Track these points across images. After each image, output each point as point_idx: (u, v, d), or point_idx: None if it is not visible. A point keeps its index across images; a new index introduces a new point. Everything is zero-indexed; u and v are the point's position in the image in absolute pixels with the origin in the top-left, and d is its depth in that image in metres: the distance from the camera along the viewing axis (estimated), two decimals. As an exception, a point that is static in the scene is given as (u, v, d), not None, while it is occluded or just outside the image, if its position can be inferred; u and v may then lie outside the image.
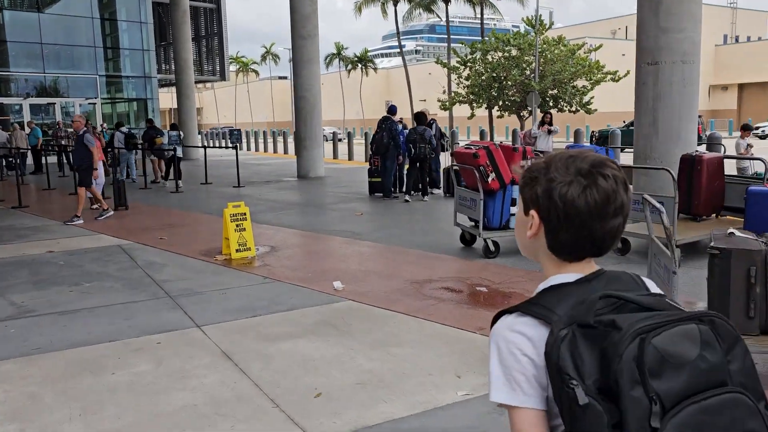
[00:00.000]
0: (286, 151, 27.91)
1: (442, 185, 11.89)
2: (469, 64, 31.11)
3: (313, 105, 16.56)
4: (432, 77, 59.09)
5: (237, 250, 6.90)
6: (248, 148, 33.36)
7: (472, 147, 6.50)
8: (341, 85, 64.52)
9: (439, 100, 33.30)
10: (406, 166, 11.82)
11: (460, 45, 32.21)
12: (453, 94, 31.86)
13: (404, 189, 11.78)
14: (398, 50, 62.04)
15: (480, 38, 32.51)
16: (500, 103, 31.10)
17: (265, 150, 30.66)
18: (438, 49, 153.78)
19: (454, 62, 32.09)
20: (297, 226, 8.93)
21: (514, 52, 29.75)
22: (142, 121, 28.14)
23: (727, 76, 50.86)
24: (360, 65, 61.47)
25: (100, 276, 6.27)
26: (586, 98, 29.71)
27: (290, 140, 28.24)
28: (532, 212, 1.03)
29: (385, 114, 11.55)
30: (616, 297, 0.95)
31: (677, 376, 0.88)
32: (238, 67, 72.50)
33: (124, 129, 16.73)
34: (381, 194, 11.85)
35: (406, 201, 11.09)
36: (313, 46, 16.44)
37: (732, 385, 0.92)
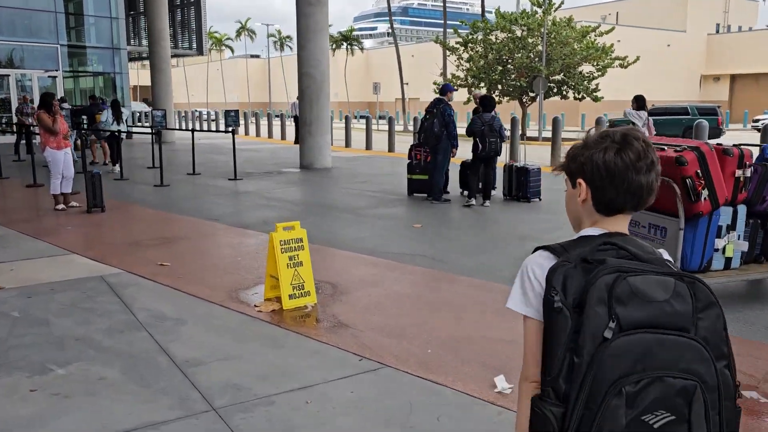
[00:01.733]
0: (283, 136, 25.25)
1: (501, 185, 9.65)
2: (470, 45, 28.80)
3: (320, 84, 14.09)
4: (415, 60, 56.66)
5: (291, 296, 4.54)
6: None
7: (668, 147, 4.25)
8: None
9: (434, 83, 30.91)
10: (458, 159, 9.55)
11: (460, 23, 29.84)
12: (450, 77, 29.54)
13: (465, 192, 9.55)
14: (370, 32, 59.47)
15: (480, 16, 30.23)
16: (501, 87, 28.94)
17: (256, 134, 27.94)
18: (411, 32, 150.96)
19: (453, 42, 29.74)
20: (344, 244, 6.58)
21: (518, 33, 27.55)
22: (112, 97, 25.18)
23: (719, 67, 49.73)
24: (345, 44, 58.25)
25: (79, 346, 3.85)
26: (593, 84, 27.76)
27: (275, 123, 25.55)
28: (579, 180, 1.27)
29: (437, 96, 9.20)
30: (617, 246, 1.19)
31: (641, 309, 1.11)
32: (211, 43, 68.59)
33: (67, 105, 14.10)
34: (426, 195, 9.56)
35: (468, 206, 8.82)
36: (322, 13, 13.94)
37: (695, 334, 1.12)
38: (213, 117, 33.62)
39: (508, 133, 11.00)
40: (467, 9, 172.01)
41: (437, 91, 29.55)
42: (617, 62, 27.51)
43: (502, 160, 9.94)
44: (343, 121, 22.21)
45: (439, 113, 8.89)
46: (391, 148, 19.08)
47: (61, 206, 8.70)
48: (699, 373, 1.11)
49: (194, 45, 28.93)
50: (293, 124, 23.35)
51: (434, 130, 8.86)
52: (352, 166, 14.61)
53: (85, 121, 14.99)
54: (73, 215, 8.33)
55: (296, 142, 22.66)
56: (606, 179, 1.22)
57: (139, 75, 60.52)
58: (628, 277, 1.11)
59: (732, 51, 49.13)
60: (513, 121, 14.90)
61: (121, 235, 7.03)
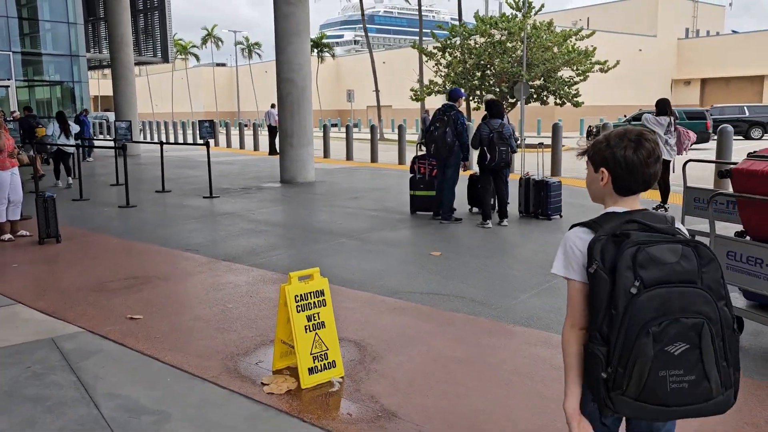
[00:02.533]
0: (256, 147, 23.89)
1: (517, 200, 8.62)
2: (449, 50, 27.92)
3: (302, 90, 12.91)
4: (387, 66, 55.71)
5: (312, 370, 3.38)
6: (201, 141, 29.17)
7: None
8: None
9: (412, 90, 29.98)
10: (469, 171, 8.50)
11: (438, 28, 28.94)
12: (429, 83, 28.61)
13: (474, 209, 8.53)
14: (336, 40, 58.21)
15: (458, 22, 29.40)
16: (480, 93, 28.12)
17: (227, 144, 26.53)
18: (378, 39, 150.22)
19: (431, 47, 28.82)
20: (356, 281, 5.43)
21: (497, 37, 26.78)
22: (74, 109, 23.52)
23: (689, 71, 49.99)
24: (316, 51, 56.77)
25: (14, 469, 2.63)
26: (574, 89, 27.13)
27: (248, 133, 24.21)
28: (603, 169, 1.71)
29: (446, 102, 8.11)
30: (639, 222, 1.61)
31: (658, 271, 1.52)
32: (176, 51, 66.46)
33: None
34: (432, 214, 8.48)
35: (484, 226, 7.75)
36: (302, 13, 12.79)
37: (701, 285, 1.53)
38: (182, 127, 32.01)
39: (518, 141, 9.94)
40: (433, 16, 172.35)
41: (414, 98, 28.64)
42: (597, 66, 26.98)
43: (513, 171, 8.87)
44: (321, 129, 21.02)
45: (451, 121, 7.80)
46: (374, 158, 17.98)
47: (7, 236, 7.36)
48: (705, 312, 1.52)
49: (159, 52, 27.42)
50: (267, 134, 22.09)
51: (447, 140, 7.77)
52: (337, 180, 13.46)
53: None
54: (21, 248, 7.00)
55: (271, 153, 21.45)
56: (625, 171, 1.68)
57: (99, 84, 58.25)
58: (646, 248, 1.53)
59: (701, 55, 49.46)
60: (555, 128, 13.49)
61: (80, 276, 5.76)
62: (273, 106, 22.07)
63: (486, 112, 9.60)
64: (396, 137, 31.74)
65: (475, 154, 8.10)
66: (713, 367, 1.53)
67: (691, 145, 8.63)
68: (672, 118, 8.48)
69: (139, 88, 79.67)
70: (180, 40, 68.00)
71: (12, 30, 21.48)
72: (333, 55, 61.62)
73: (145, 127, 30.48)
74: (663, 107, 8.48)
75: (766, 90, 44.52)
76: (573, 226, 1.71)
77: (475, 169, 8.63)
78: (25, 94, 23.27)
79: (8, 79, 21.18)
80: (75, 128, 13.35)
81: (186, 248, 6.84)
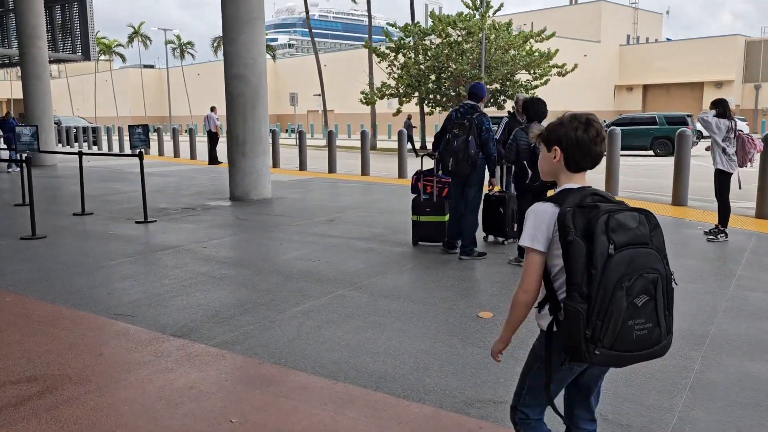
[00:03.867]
0: (193, 155, 21.27)
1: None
2: (403, 50, 26.20)
3: (256, 89, 10.77)
4: (328, 69, 53.56)
5: None
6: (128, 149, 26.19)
7: None
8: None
9: (362, 93, 28.08)
10: (496, 188, 6.62)
11: (391, 26, 27.15)
12: (381, 85, 26.80)
13: (491, 237, 6.70)
14: (270, 43, 55.19)
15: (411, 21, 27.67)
16: (435, 97, 26.55)
17: (159, 152, 23.75)
18: (307, 43, 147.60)
19: (383, 48, 27.02)
20: (397, 383, 3.45)
21: (454, 37, 25.28)
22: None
23: (631, 77, 50.33)
24: None
25: None
26: (533, 93, 25.95)
27: (183, 139, 21.64)
28: (555, 147, 1.93)
29: (467, 101, 6.20)
30: (599, 195, 1.86)
31: (625, 234, 1.74)
32: (99, 50, 61.65)
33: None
34: (441, 245, 6.58)
35: (521, 264, 5.91)
36: (256, -3, 10.65)
37: (652, 246, 1.79)
38: (106, 132, 28.86)
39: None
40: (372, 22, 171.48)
41: (364, 101, 26.66)
42: (555, 70, 25.93)
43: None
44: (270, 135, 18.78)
45: (474, 127, 5.90)
46: (332, 168, 15.94)
47: None
48: (658, 269, 1.78)
49: (79, 49, 24.33)
50: (206, 141, 19.67)
51: (470, 152, 5.86)
52: (298, 195, 11.36)
53: None
54: None
55: (211, 162, 19.03)
56: (576, 149, 1.90)
57: (12, 86, 53.36)
58: (614, 215, 1.75)
59: (642, 62, 49.90)
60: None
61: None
62: (213, 109, 19.72)
63: (508, 114, 7.83)
64: (350, 144, 29.68)
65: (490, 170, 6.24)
66: (662, 315, 1.79)
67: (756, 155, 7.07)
68: (733, 123, 6.92)
69: (59, 90, 74.22)
70: (104, 38, 63.32)
71: None
72: (274, 57, 58.70)
73: (63, 134, 27.27)
74: (724, 109, 6.89)
75: (705, 96, 45.17)
76: (537, 202, 1.92)
77: (499, 186, 6.78)
78: None
79: None
80: None
81: (116, 313, 4.64)
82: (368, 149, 15.34)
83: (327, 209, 9.62)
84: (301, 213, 9.32)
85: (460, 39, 25.10)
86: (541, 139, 1.98)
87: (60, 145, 30.67)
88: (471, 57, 25.00)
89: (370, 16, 29.89)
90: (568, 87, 41.05)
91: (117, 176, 15.05)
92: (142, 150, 8.77)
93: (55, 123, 32.26)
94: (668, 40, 56.24)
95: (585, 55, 47.53)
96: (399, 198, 10.80)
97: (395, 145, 30.69)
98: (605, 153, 1.99)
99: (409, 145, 28.05)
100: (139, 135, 8.74)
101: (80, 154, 9.71)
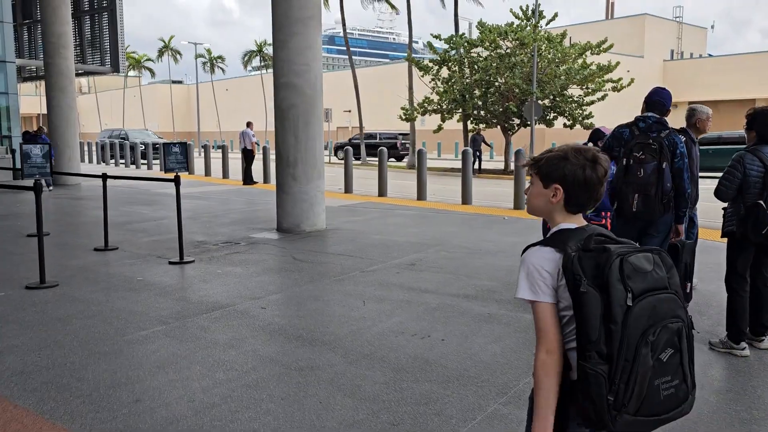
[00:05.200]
0: (225, 174, 19.71)
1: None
2: (448, 63, 24.54)
3: (310, 101, 9.12)
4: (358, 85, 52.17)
5: None
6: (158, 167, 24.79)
7: None
8: (263, 88, 54.85)
9: (402, 108, 26.44)
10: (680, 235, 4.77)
11: (434, 37, 25.55)
12: (423, 100, 25.13)
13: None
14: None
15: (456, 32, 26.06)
16: (477, 113, 24.78)
17: (189, 170, 22.28)
18: (338, 60, 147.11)
19: (427, 61, 25.39)
20: None
21: (505, 49, 23.53)
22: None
23: (676, 93, 47.99)
24: None
25: None
26: (586, 110, 24.06)
27: (214, 156, 20.11)
28: (556, 186, 1.66)
29: (646, 113, 4.42)
30: (604, 236, 1.60)
31: (642, 280, 1.50)
32: (128, 64, 61.06)
33: None
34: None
35: (736, 352, 4.05)
36: (312, -7, 9.04)
37: (670, 290, 1.55)
38: (131, 150, 27.46)
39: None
40: (394, 39, 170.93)
41: (403, 117, 24.81)
42: (610, 85, 24.02)
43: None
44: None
45: (666, 150, 4.10)
46: (382, 191, 14.22)
47: None
48: (680, 316, 1.54)
49: (108, 61, 23.14)
50: (241, 159, 18.13)
51: (665, 185, 4.05)
52: (356, 227, 9.63)
53: None
54: None
55: (246, 182, 17.48)
56: (582, 188, 1.65)
57: (42, 102, 52.73)
58: (627, 258, 1.50)
59: (687, 77, 47.67)
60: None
61: None
62: (249, 125, 18.18)
63: (679, 131, 5.98)
64: (389, 163, 27.83)
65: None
66: (688, 368, 1.56)
67: None
68: None
69: (88, 105, 74.11)
70: (133, 53, 62.78)
71: None
72: None
73: (126, 150, 25.97)
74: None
75: (758, 114, 42.64)
76: (529, 246, 1.66)
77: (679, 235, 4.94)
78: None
79: None
80: None
81: (148, 442, 2.92)
82: (425, 170, 13.61)
83: (399, 247, 7.86)
84: (369, 252, 7.57)
85: (510, 51, 23.36)
86: (534, 171, 1.72)
87: (114, 162, 29.31)
88: (522, 70, 23.23)
89: (410, 28, 28.34)
90: (610, 104, 39.11)
91: (145, 198, 13.50)
92: (179, 174, 7.11)
93: (121, 137, 30.53)
94: (710, 56, 53.93)
95: (628, 71, 45.48)
96: (478, 232, 9.03)
97: (442, 163, 29.16)
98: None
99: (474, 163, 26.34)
100: (176, 155, 7.10)
101: (104, 177, 8.10)
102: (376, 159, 15.16)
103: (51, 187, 14.97)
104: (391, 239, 8.44)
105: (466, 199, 12.59)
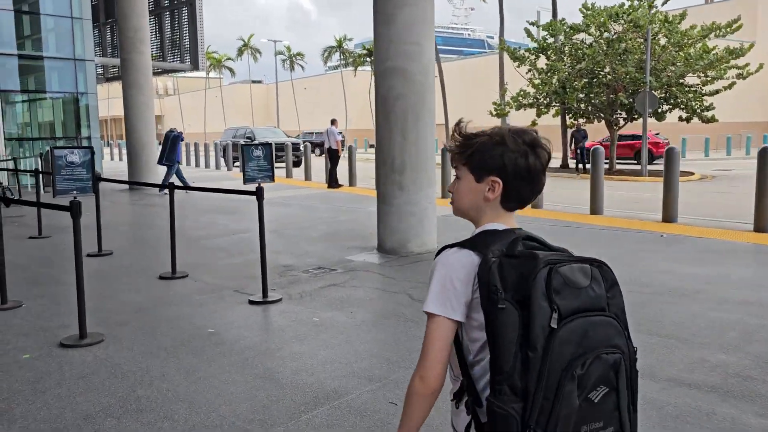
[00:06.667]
0: (307, 176, 18.24)
1: None
2: (547, 52, 22.16)
3: (420, 90, 7.28)
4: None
5: None
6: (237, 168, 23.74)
7: None
8: (343, 86, 53.61)
9: (494, 103, 24.24)
10: None
11: (531, 24, 23.22)
12: (518, 94, 22.85)
13: None
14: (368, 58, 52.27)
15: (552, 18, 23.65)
16: (578, 106, 22.23)
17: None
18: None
19: (523, 51, 23.10)
20: None
21: (612, 33, 20.91)
22: (76, 128, 18.38)
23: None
24: (369, 60, 50.69)
25: None
26: (708, 101, 21.07)
27: (304, 159, 18.66)
28: (494, 179, 1.33)
29: None
30: (535, 240, 1.31)
31: (573, 298, 1.19)
32: (209, 64, 61.31)
33: None
34: None
35: None
36: (424, -45, 7.18)
37: (609, 312, 1.24)
38: (212, 149, 26.48)
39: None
40: (468, 34, 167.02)
41: (494, 113, 22.54)
42: (733, 72, 20.91)
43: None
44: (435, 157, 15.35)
45: None
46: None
47: None
48: (620, 346, 1.22)
49: (187, 58, 22.25)
50: (326, 159, 16.58)
51: None
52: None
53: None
54: None
55: (331, 185, 15.91)
56: (525, 180, 1.33)
57: (109, 104, 53.58)
58: (559, 268, 1.19)
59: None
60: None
61: None
62: (333, 122, 16.62)
63: None
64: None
65: None
66: (626, 412, 1.23)
67: None
68: None
69: (173, 106, 75.65)
70: (214, 53, 63.07)
71: (0, 27, 16.48)
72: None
73: (203, 150, 24.96)
74: None
75: None
76: (444, 248, 1.31)
77: None
78: (19, 107, 18.26)
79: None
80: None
81: None
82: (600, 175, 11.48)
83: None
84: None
85: (619, 35, 20.72)
86: (462, 162, 1.37)
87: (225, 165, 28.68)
88: (634, 57, 20.55)
89: (501, 15, 26.03)
90: (745, 93, 35.27)
91: (228, 205, 12.09)
92: (262, 186, 5.42)
93: (247, 137, 26.58)
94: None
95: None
96: (640, 257, 6.92)
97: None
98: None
99: (573, 162, 24.01)
100: (258, 161, 5.38)
101: (171, 187, 6.57)
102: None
103: (166, 192, 13.93)
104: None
105: (596, 208, 10.39)
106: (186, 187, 9.62)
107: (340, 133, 16.39)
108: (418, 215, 7.34)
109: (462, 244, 1.30)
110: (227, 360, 3.94)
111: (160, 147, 14.77)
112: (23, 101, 18.11)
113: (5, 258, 7.22)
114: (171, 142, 14.54)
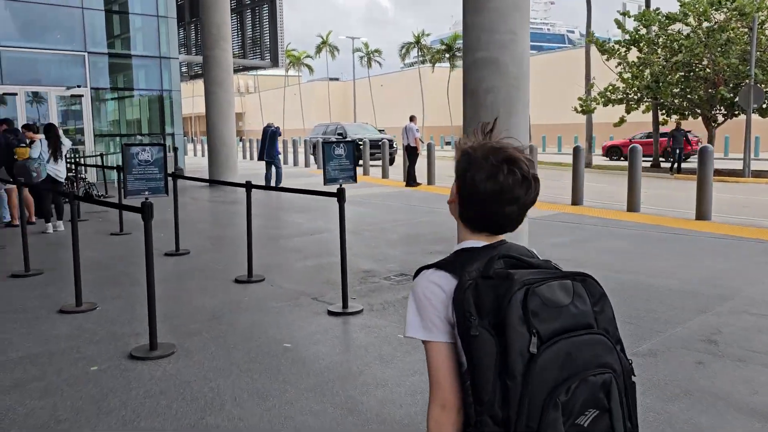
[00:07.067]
0: (384, 174, 17.89)
1: None
2: (639, 45, 20.82)
3: (514, 83, 6.69)
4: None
5: None
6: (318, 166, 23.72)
7: None
8: (420, 82, 53.03)
9: (580, 99, 23.07)
10: None
11: (621, 14, 21.94)
12: (607, 89, 21.60)
13: None
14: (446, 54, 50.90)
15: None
16: (672, 101, 20.74)
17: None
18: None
19: (612, 43, 21.82)
20: None
21: (712, 23, 19.34)
22: (161, 125, 18.81)
23: None
24: (447, 56, 49.79)
25: None
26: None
27: (382, 156, 18.32)
28: (455, 184, 1.27)
29: None
30: (513, 258, 1.20)
31: (554, 318, 1.11)
32: (288, 61, 62.19)
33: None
34: None
35: None
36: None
37: (597, 328, 1.16)
38: (292, 146, 26.44)
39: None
40: (548, 29, 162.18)
41: (580, 109, 21.16)
42: None
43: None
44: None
45: None
46: (577, 199, 11.40)
47: None
48: (609, 364, 1.14)
49: (267, 55, 22.37)
50: (404, 157, 16.13)
51: None
52: (576, 253, 7.02)
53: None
54: None
55: (409, 183, 15.45)
56: (467, 199, 1.25)
57: (193, 103, 54.92)
58: (536, 288, 1.11)
59: None
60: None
61: None
62: (412, 119, 16.14)
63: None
64: (557, 159, 24.49)
65: None
66: (621, 430, 1.15)
67: None
68: None
69: (253, 105, 77.47)
70: (293, 50, 63.91)
71: (87, 25, 17.01)
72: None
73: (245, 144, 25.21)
74: None
75: None
76: (422, 269, 1.24)
77: None
78: (109, 105, 18.84)
79: (82, 86, 16.66)
80: (67, 145, 9.10)
81: None
82: (582, 169, 10.62)
83: (661, 298, 5.16)
84: (621, 307, 4.97)
85: (721, 25, 19.13)
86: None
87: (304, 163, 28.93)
88: (738, 48, 18.92)
89: (589, 7, 24.73)
90: None
91: (302, 202, 11.87)
92: (343, 186, 4.99)
93: (338, 133, 25.08)
94: None
95: None
96: (764, 270, 6.04)
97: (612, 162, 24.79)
98: (518, 216, 1.23)
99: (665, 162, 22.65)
100: (340, 160, 4.96)
101: (248, 186, 6.29)
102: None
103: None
104: (640, 281, 5.73)
105: (702, 212, 9.40)
106: (266, 186, 9.44)
107: (418, 130, 15.86)
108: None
109: (438, 265, 1.22)
110: (304, 383, 3.53)
111: (259, 143, 14.89)
112: (112, 99, 18.67)
113: (86, 255, 7.19)
114: (270, 138, 14.68)
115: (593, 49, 22.79)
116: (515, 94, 6.65)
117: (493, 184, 1.19)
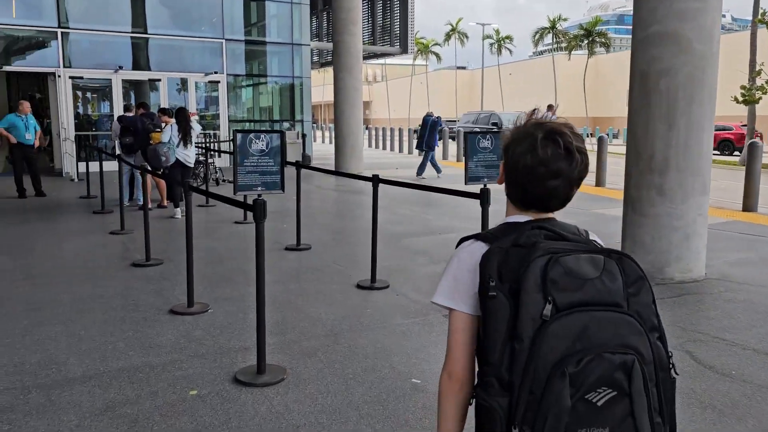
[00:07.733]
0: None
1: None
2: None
3: (699, 63, 5.43)
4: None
5: None
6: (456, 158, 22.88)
7: None
8: (554, 70, 50.44)
9: (742, 87, 20.39)
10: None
11: None
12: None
13: None
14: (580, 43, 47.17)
15: None
16: None
17: (460, 159, 19.85)
18: (626, 41, 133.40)
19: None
20: None
21: None
22: (290, 112, 18.90)
23: None
24: (585, 42, 46.65)
25: None
26: None
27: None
28: (502, 163, 1.26)
29: None
30: (551, 231, 1.16)
31: (575, 290, 1.07)
32: (416, 50, 61.61)
33: (130, 115, 9.27)
34: None
35: None
36: None
37: (628, 309, 1.09)
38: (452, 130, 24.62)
39: None
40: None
41: (742, 99, 17.68)
42: None
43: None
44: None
45: None
46: (749, 205, 9.70)
47: None
48: (635, 347, 1.08)
49: (397, 42, 21.82)
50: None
51: None
52: (762, 278, 5.69)
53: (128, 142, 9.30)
54: None
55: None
56: (510, 175, 1.24)
57: (324, 91, 55.79)
58: (560, 258, 1.08)
59: None
60: None
61: None
62: (550, 108, 14.87)
63: None
64: (720, 157, 21.75)
65: None
66: (646, 423, 1.07)
67: None
68: None
69: (380, 94, 78.07)
70: (422, 38, 63.16)
71: (227, 13, 17.30)
72: (608, 45, 49.35)
73: (379, 134, 24.84)
74: None
75: None
76: (463, 239, 1.25)
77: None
78: (244, 92, 19.20)
79: (219, 73, 17.02)
80: (197, 129, 9.10)
81: None
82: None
83: None
84: None
85: None
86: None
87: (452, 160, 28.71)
88: None
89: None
90: None
91: (427, 196, 11.11)
92: (487, 185, 4.14)
93: (493, 123, 23.11)
94: None
95: None
96: None
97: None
98: (563, 190, 1.20)
99: None
100: (485, 153, 4.09)
101: (375, 180, 5.62)
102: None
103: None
104: None
105: None
106: (392, 181, 8.79)
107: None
108: (683, 231, 5.54)
109: (477, 236, 1.22)
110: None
111: (418, 132, 14.55)
112: (246, 85, 18.98)
113: (206, 245, 6.90)
114: (430, 127, 14.28)
115: (760, 32, 19.99)
116: (699, 77, 5.43)
117: (532, 156, 1.17)
